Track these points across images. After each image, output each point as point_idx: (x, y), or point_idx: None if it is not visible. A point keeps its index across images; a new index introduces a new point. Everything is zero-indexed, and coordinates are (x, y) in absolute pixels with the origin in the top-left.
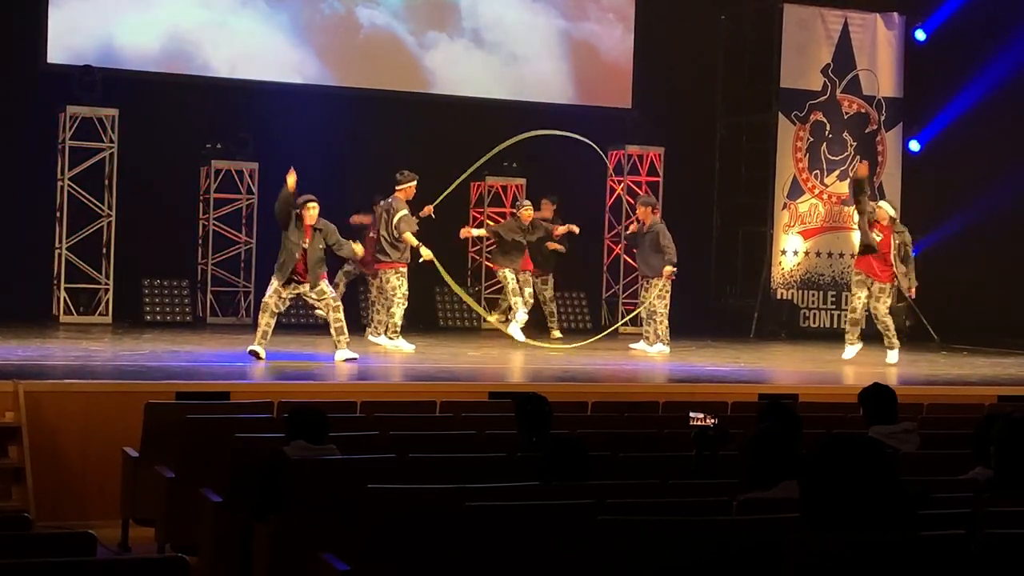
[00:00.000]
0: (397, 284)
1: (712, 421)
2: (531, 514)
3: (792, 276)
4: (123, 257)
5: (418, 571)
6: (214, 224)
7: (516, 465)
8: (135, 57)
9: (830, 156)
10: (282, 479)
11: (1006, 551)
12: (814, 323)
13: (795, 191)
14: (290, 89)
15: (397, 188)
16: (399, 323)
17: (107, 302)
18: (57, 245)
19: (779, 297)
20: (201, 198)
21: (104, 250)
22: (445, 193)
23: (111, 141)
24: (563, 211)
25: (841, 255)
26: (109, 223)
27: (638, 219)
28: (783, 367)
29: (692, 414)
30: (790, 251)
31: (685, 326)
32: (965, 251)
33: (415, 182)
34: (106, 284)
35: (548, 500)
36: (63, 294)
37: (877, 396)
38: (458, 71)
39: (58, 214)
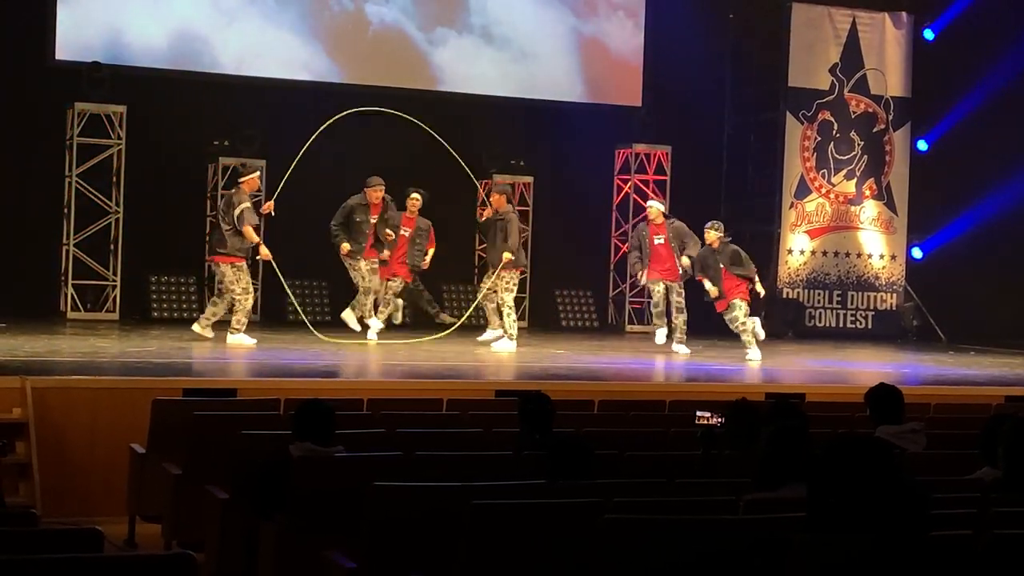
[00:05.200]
0: (235, 278)
1: (718, 420)
2: (537, 512)
3: (798, 275)
4: (130, 253)
5: (424, 569)
6: None
7: (522, 463)
8: (143, 53)
9: (837, 155)
10: (287, 477)
11: (1013, 552)
12: (820, 322)
13: (802, 190)
14: (298, 86)
15: (240, 180)
16: (243, 318)
17: (114, 298)
18: (65, 241)
19: (785, 296)
20: (209, 195)
21: (112, 246)
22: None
23: (119, 138)
24: (570, 209)
25: (848, 254)
26: (117, 219)
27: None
28: (790, 366)
29: (699, 413)
30: (796, 250)
31: (692, 325)
32: (972, 251)
33: (256, 174)
34: (113, 280)
35: (554, 498)
36: (70, 290)
37: (884, 396)
38: (467, 68)
39: (66, 210)
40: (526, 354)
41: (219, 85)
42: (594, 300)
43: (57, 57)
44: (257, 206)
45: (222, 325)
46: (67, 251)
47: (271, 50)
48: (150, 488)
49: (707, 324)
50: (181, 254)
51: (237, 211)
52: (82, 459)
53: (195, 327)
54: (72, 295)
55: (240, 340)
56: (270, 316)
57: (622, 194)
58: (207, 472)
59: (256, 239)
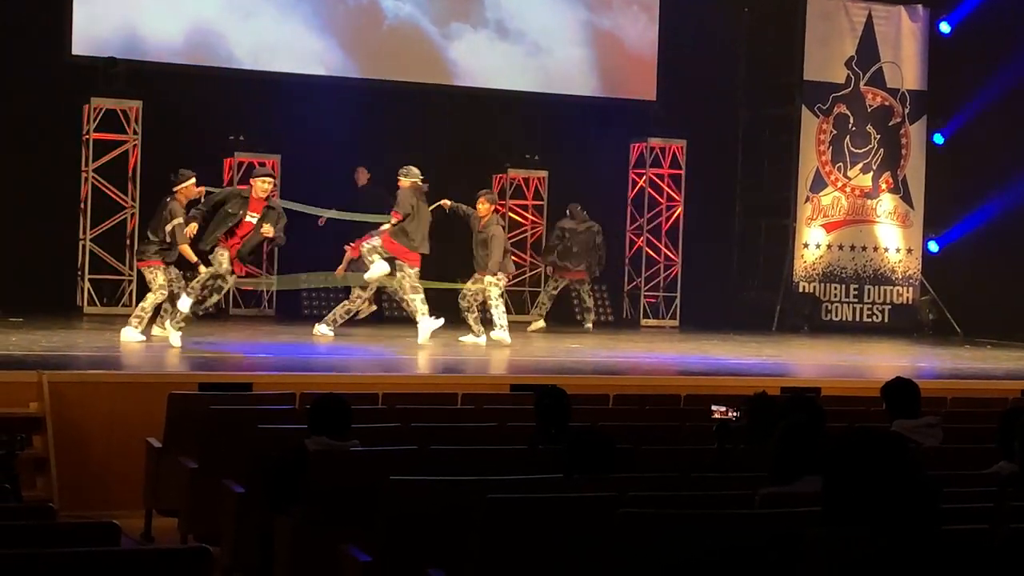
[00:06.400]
0: (152, 277)
1: (734, 414)
2: (552, 507)
3: (814, 269)
4: None
5: (440, 563)
6: None
7: (537, 458)
8: (159, 49)
9: (853, 149)
10: (303, 471)
11: None
12: (836, 316)
13: (818, 184)
14: (313, 81)
15: (175, 190)
16: (150, 312)
17: (131, 293)
18: (81, 236)
19: (801, 290)
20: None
21: (128, 241)
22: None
23: (135, 133)
24: (584, 203)
25: (864, 248)
26: (133, 215)
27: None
28: (805, 360)
29: (714, 407)
30: (812, 244)
31: (707, 319)
32: (989, 244)
33: (192, 181)
34: (130, 275)
35: (569, 493)
36: (87, 285)
37: (900, 390)
38: (481, 62)
39: (82, 206)
40: (541, 348)
41: (234, 80)
42: (609, 294)
43: (73, 52)
44: (191, 204)
45: (241, 319)
46: (84, 246)
47: (286, 45)
48: (166, 482)
49: (717, 319)
50: (197, 249)
51: (170, 227)
52: (99, 453)
53: (173, 339)
54: (89, 290)
55: (131, 336)
56: (285, 311)
57: (637, 188)
58: (223, 466)
59: (194, 259)
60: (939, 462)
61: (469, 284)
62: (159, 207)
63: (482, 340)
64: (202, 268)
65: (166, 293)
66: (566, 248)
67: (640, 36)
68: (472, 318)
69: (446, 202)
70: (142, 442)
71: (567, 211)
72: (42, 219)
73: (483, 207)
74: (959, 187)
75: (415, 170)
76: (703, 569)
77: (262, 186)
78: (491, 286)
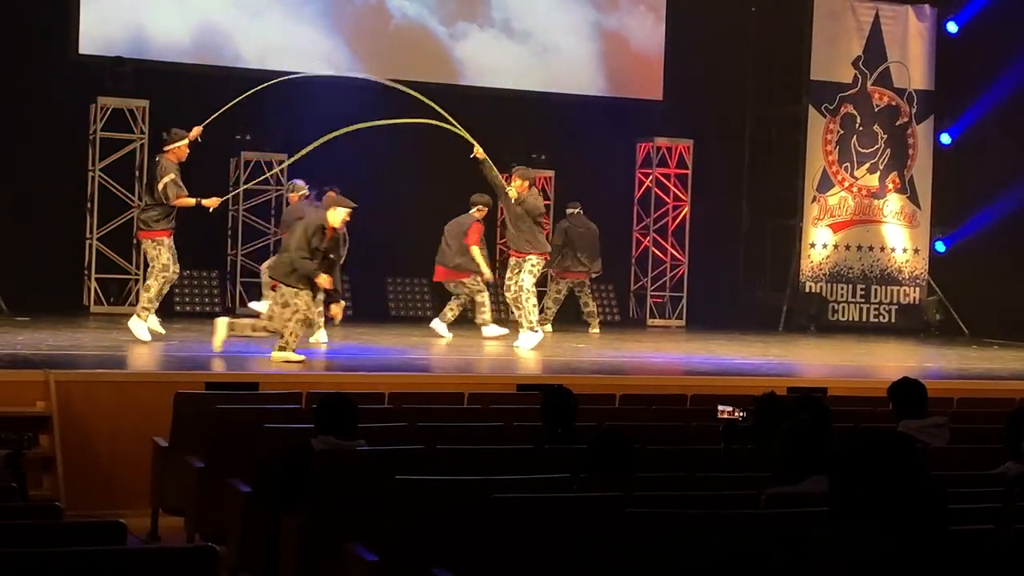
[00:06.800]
0: (156, 253)
1: (740, 414)
2: (558, 506)
3: (821, 269)
4: None
5: (446, 562)
6: (244, 215)
7: (544, 457)
8: (166, 48)
9: (860, 149)
10: (309, 470)
11: None
12: (843, 316)
13: (825, 184)
14: (320, 80)
15: (165, 149)
16: (156, 302)
17: (137, 292)
18: (88, 236)
19: (808, 290)
20: (231, 189)
21: (134, 241)
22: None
23: (142, 132)
24: (591, 203)
25: (871, 248)
26: None
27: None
28: (812, 360)
29: (720, 407)
30: (819, 244)
31: (714, 319)
32: (996, 244)
33: (184, 142)
34: (136, 274)
35: (575, 493)
36: (94, 284)
37: (907, 390)
38: (488, 62)
39: (89, 205)
40: (548, 348)
41: (241, 79)
42: (615, 294)
43: (81, 51)
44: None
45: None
46: (90, 245)
47: (293, 44)
48: (173, 481)
49: (723, 319)
50: (204, 248)
51: (161, 186)
52: (105, 452)
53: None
54: (95, 289)
55: (138, 328)
56: None
57: (643, 188)
58: (229, 465)
59: (191, 202)
60: (946, 462)
61: (509, 274)
62: (152, 167)
63: (539, 335)
64: (207, 201)
65: (168, 276)
66: (569, 244)
67: (647, 36)
68: (520, 313)
69: (479, 150)
70: (148, 441)
71: (567, 211)
72: (49, 218)
73: (516, 183)
74: (966, 187)
75: (299, 183)
76: (709, 569)
77: (344, 217)
78: (526, 272)
